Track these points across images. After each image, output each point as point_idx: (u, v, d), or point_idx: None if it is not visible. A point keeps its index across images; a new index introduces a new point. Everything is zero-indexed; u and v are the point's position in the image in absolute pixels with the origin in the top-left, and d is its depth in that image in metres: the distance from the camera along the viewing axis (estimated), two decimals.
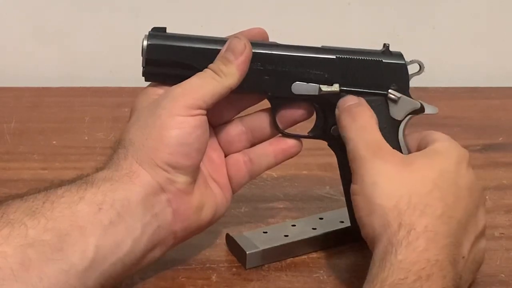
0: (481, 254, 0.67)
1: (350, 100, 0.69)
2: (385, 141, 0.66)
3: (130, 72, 0.98)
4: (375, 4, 1.15)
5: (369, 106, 0.68)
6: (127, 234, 0.62)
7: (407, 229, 0.61)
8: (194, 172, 0.66)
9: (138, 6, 1.13)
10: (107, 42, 1.14)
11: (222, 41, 0.68)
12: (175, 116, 0.64)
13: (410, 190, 0.63)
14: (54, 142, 0.95)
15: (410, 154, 0.68)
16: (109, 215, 0.61)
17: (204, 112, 0.65)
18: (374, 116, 0.68)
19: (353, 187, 0.66)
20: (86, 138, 0.96)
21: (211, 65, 0.66)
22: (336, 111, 0.69)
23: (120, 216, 0.61)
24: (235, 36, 0.67)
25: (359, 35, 1.12)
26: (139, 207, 0.63)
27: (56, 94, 1.08)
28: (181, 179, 0.65)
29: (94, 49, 1.14)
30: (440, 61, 0.97)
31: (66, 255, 0.58)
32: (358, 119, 0.67)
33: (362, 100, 0.69)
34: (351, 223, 0.71)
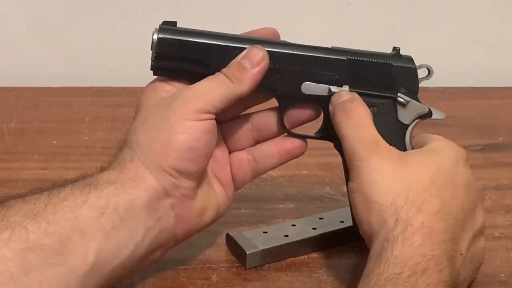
0: (480, 253, 0.67)
1: (343, 96, 0.69)
2: (381, 138, 0.66)
3: (130, 72, 0.98)
4: (375, 4, 1.15)
5: (363, 102, 0.68)
6: (129, 239, 0.61)
7: (403, 225, 0.61)
8: (200, 177, 0.66)
9: (138, 6, 1.13)
10: (107, 42, 1.14)
11: (233, 38, 0.68)
12: (184, 120, 0.63)
13: (407, 187, 0.63)
14: (54, 142, 0.95)
15: (407, 152, 0.68)
16: (112, 220, 0.60)
17: (213, 116, 0.64)
18: (369, 111, 0.68)
19: (351, 184, 0.66)
20: (86, 138, 0.96)
21: (224, 70, 0.66)
22: (330, 108, 0.69)
23: (123, 220, 0.61)
24: (255, 45, 0.67)
25: (359, 35, 1.12)
26: (143, 212, 0.62)
27: (56, 94, 1.08)
28: (187, 184, 0.64)
29: (94, 49, 1.14)
30: (440, 61, 0.97)
31: (66, 259, 0.57)
32: (353, 116, 0.67)
33: (355, 95, 0.69)
34: (353, 223, 0.71)
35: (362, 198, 0.64)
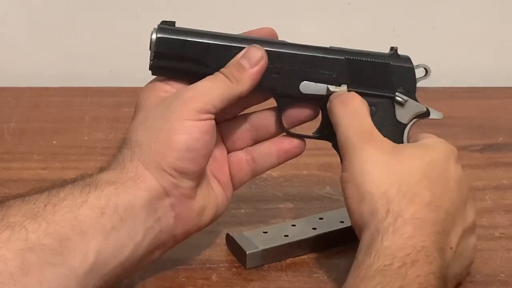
0: (470, 250, 0.67)
1: (341, 93, 0.69)
2: (375, 128, 0.66)
3: (130, 72, 0.98)
4: (375, 4, 1.15)
5: (360, 96, 0.68)
6: (129, 239, 0.61)
7: (394, 216, 0.61)
8: (199, 177, 0.66)
9: (138, 6, 1.13)
10: (107, 42, 1.14)
11: (232, 38, 0.68)
12: (184, 120, 0.63)
13: (399, 178, 0.63)
14: (54, 142, 0.95)
15: (400, 144, 0.68)
16: (112, 220, 0.60)
17: (213, 116, 0.64)
18: (366, 103, 0.68)
19: (343, 174, 0.66)
20: (86, 138, 0.96)
21: (223, 70, 0.66)
22: (328, 104, 0.69)
23: (123, 220, 0.61)
24: (253, 45, 0.67)
25: (359, 35, 1.12)
26: (143, 212, 0.62)
27: (56, 94, 1.08)
28: (186, 184, 0.64)
29: (94, 49, 1.14)
30: (440, 61, 0.97)
31: (66, 260, 0.57)
32: (349, 105, 0.67)
33: (354, 93, 0.69)
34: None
35: (354, 188, 0.64)
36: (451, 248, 0.63)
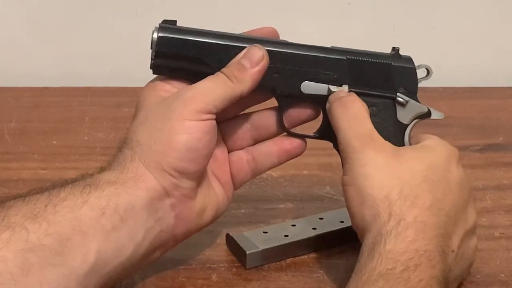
0: (471, 252, 0.67)
1: (340, 93, 0.69)
2: (376, 131, 0.66)
3: (130, 72, 0.98)
4: (375, 4, 1.15)
5: (360, 98, 0.68)
6: (129, 239, 0.61)
7: (397, 220, 0.61)
8: (200, 177, 0.66)
9: (138, 6, 1.13)
10: (107, 42, 1.14)
11: (233, 37, 0.68)
12: (185, 120, 0.63)
13: (401, 181, 0.63)
14: (54, 142, 0.95)
15: (401, 147, 0.68)
16: (112, 220, 0.60)
17: (214, 116, 0.64)
18: (365, 106, 0.68)
19: (344, 178, 0.66)
20: (86, 138, 0.96)
21: (224, 69, 0.66)
22: (327, 105, 0.69)
23: (123, 221, 0.61)
24: (254, 44, 0.67)
25: (359, 35, 1.12)
26: (143, 212, 0.62)
27: (56, 94, 1.08)
28: (187, 184, 0.64)
29: (94, 49, 1.14)
30: (440, 61, 0.97)
31: (67, 260, 0.57)
32: (349, 108, 0.67)
33: (353, 93, 0.69)
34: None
35: (355, 191, 0.64)
36: (453, 251, 0.63)
